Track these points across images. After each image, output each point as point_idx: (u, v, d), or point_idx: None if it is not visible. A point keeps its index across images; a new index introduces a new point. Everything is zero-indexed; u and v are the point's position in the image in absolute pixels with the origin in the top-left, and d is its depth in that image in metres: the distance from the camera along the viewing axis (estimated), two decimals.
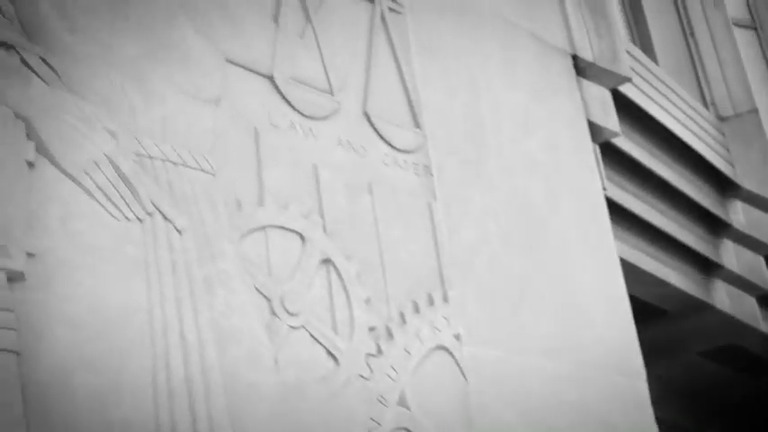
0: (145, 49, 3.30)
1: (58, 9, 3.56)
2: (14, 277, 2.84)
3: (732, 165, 8.20)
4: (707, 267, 7.92)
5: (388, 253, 3.70)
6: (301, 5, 4.01)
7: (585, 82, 5.27)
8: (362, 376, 3.26)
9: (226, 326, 3.04)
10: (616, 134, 5.29)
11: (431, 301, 3.81)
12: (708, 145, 7.83)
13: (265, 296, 3.22)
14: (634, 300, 5.01)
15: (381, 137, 3.99)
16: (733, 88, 8.47)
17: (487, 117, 4.72)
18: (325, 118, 3.84)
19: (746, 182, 8.33)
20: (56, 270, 2.87)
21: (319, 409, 3.12)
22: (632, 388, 4.79)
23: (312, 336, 3.25)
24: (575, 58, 5.32)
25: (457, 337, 3.83)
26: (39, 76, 3.04)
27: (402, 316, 3.63)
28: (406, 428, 3.32)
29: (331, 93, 3.90)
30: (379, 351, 3.44)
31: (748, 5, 9.35)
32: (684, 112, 7.07)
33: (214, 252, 3.13)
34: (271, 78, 3.72)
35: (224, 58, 3.50)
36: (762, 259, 8.97)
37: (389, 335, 3.54)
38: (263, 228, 3.35)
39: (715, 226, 8.23)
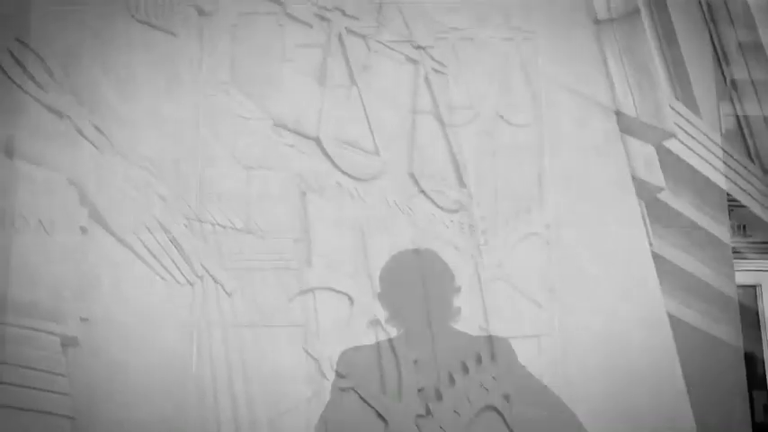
0: (194, 115, 3.48)
1: (110, 77, 3.67)
2: (68, 342, 2.89)
3: None
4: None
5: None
6: (347, 69, 4.23)
7: (629, 138, 5.27)
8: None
9: (275, 388, 3.23)
10: (661, 189, 5.28)
11: (479, 361, 3.88)
12: (754, 198, 7.78)
13: (314, 357, 3.38)
14: None
15: (427, 197, 4.18)
16: None
17: (531, 175, 4.79)
18: (371, 178, 4.09)
19: None
20: (108, 334, 2.91)
21: None
22: None
23: (361, 397, 3.35)
24: (618, 114, 5.34)
25: (506, 397, 3.88)
26: (91, 143, 3.02)
27: (451, 376, 3.70)
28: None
29: (377, 153, 4.13)
30: (428, 412, 3.53)
31: None
32: (729, 166, 7.05)
33: (264, 314, 3.17)
34: (317, 140, 3.97)
35: (272, 123, 3.79)
36: None
37: (438, 396, 3.61)
38: (312, 289, 3.58)
39: None
